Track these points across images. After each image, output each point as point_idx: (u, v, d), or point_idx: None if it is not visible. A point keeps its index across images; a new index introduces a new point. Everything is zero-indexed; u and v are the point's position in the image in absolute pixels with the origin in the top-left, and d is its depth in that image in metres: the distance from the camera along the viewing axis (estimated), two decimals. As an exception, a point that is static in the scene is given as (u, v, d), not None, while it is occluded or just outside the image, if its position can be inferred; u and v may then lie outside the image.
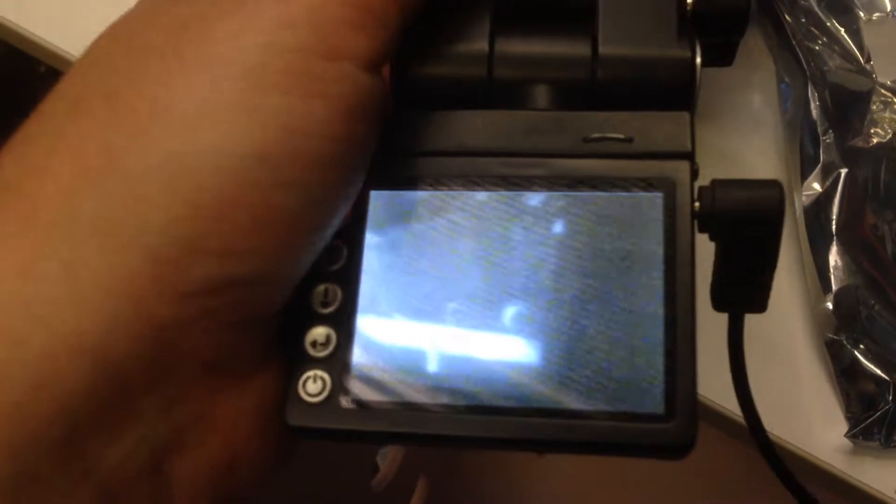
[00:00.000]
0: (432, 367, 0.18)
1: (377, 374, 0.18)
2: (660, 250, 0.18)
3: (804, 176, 0.32)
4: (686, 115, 0.19)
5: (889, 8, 0.34)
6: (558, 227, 0.19)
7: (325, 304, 0.19)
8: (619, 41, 0.20)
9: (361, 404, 0.18)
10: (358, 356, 0.19)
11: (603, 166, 0.19)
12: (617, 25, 0.20)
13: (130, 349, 0.16)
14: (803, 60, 0.33)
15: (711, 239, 0.19)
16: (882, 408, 0.30)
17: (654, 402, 0.17)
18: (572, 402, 0.18)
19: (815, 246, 0.31)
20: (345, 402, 0.18)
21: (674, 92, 0.20)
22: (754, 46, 0.35)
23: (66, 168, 0.17)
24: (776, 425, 0.29)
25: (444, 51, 0.20)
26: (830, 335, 0.31)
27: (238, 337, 0.18)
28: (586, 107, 0.20)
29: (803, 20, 0.34)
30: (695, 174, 0.19)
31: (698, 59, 0.20)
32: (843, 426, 0.30)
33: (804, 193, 0.32)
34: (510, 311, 0.18)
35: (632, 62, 0.20)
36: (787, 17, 0.34)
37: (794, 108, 0.34)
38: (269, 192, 0.17)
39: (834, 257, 0.30)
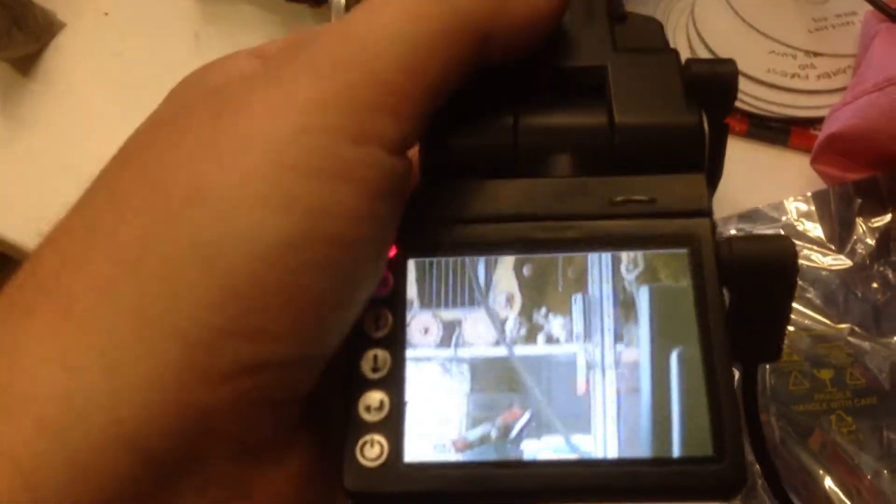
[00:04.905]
0: (488, 423, 0.19)
1: (434, 435, 0.19)
2: (692, 300, 0.19)
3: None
4: (701, 177, 0.21)
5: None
6: (595, 285, 0.20)
7: (376, 370, 0.19)
8: (633, 111, 0.21)
9: (421, 466, 0.18)
10: (413, 418, 0.19)
11: (631, 226, 0.20)
12: (629, 98, 0.21)
13: (167, 435, 0.16)
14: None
15: (729, 290, 0.20)
16: None
17: (703, 445, 0.18)
18: (623, 451, 0.18)
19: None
20: (404, 464, 0.18)
21: (686, 154, 0.21)
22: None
23: (102, 258, 0.17)
24: None
25: (473, 124, 0.22)
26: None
27: (272, 416, 0.18)
28: (606, 171, 0.21)
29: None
30: (714, 229, 0.20)
31: (706, 125, 0.21)
32: None
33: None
34: (559, 366, 0.19)
35: (646, 129, 0.21)
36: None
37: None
38: (297, 274, 0.17)
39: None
